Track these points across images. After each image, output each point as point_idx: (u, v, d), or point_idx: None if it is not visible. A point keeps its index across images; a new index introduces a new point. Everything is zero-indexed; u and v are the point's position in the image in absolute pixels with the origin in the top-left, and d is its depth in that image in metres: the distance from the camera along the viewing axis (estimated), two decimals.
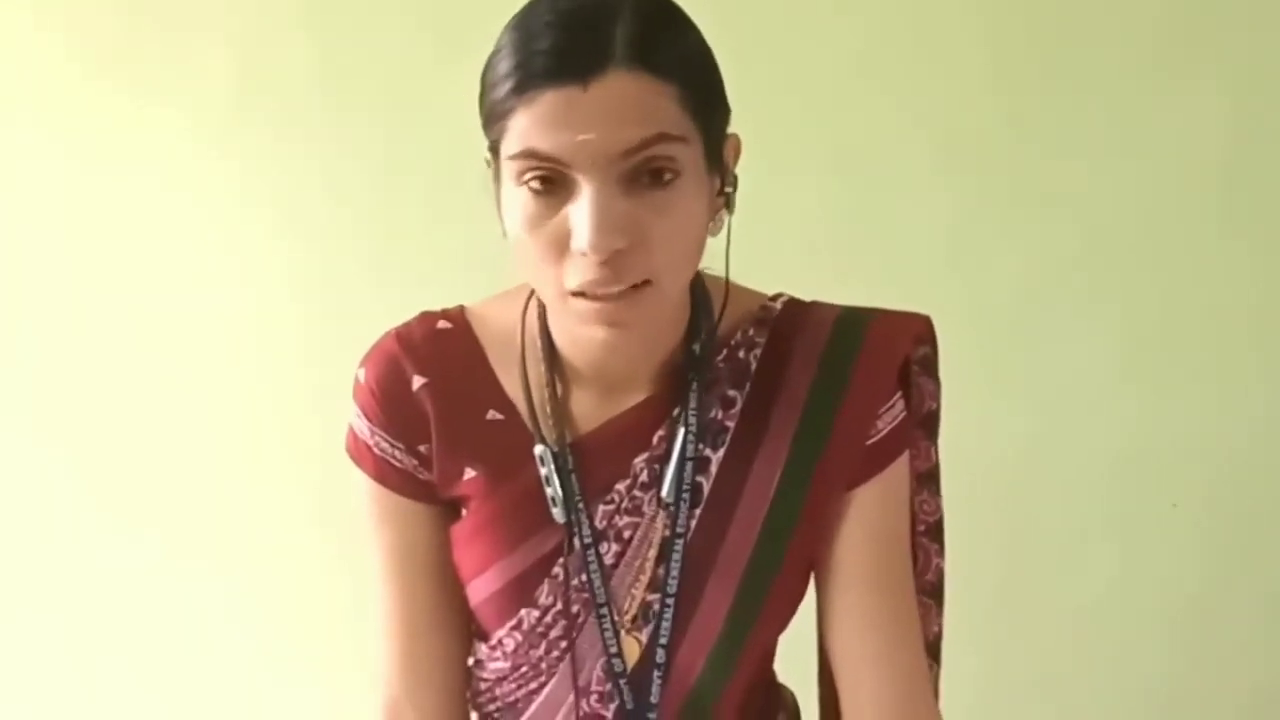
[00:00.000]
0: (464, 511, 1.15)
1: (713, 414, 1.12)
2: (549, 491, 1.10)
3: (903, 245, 1.93)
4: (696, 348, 1.12)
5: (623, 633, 1.12)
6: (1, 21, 2.00)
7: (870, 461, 1.13)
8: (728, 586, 1.11)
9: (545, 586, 1.12)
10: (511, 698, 1.17)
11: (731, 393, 1.12)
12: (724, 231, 1.06)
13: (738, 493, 1.11)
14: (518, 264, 1.02)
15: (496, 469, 1.12)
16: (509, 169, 0.98)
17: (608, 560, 1.11)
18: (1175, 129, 1.88)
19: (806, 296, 1.18)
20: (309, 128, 1.98)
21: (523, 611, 1.12)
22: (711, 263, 1.09)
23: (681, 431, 1.11)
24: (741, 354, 1.13)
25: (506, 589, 1.12)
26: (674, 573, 1.11)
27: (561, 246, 0.98)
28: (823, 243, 1.93)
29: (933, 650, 1.23)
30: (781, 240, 1.81)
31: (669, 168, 0.97)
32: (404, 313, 1.17)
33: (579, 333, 1.05)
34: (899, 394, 1.14)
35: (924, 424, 1.20)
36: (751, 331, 1.14)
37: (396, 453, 1.14)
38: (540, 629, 1.12)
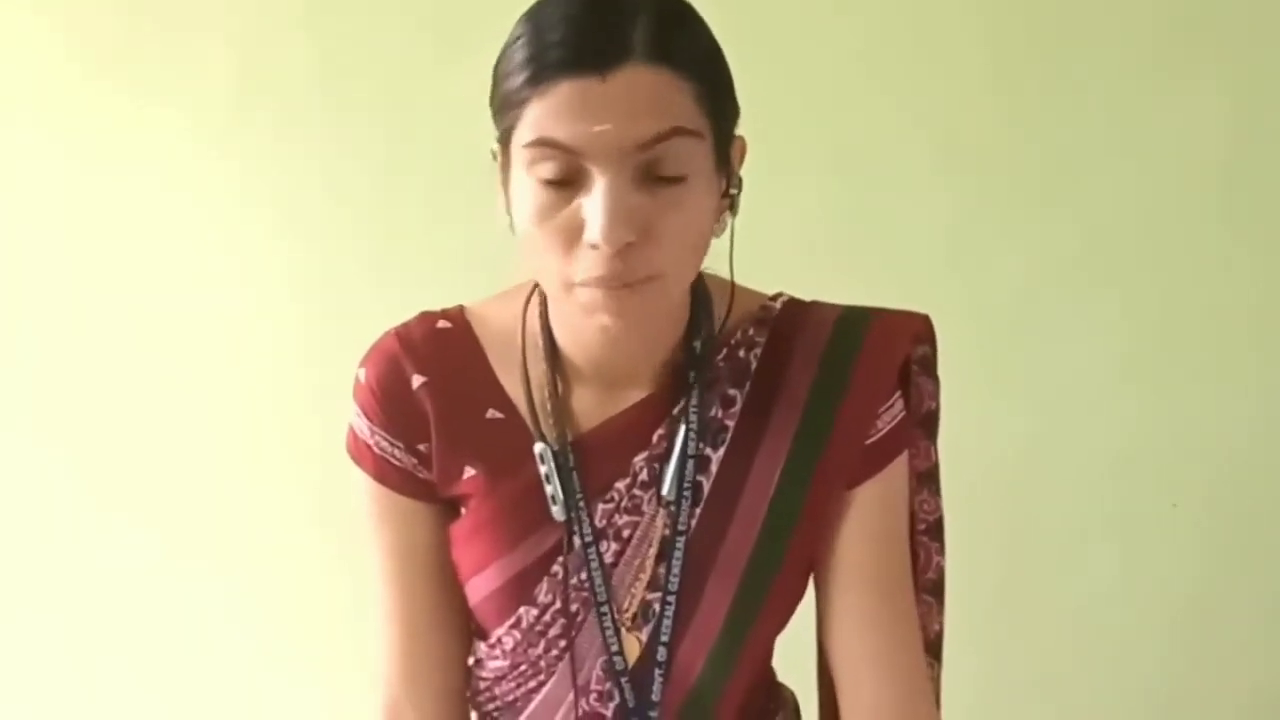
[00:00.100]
0: (463, 510, 1.15)
1: (713, 413, 1.12)
2: (548, 490, 1.10)
3: (903, 245, 1.93)
4: (697, 346, 1.12)
5: (623, 631, 1.12)
6: (1, 21, 2.00)
7: (870, 461, 1.13)
8: (728, 585, 1.11)
9: (544, 584, 1.12)
10: (510, 697, 1.17)
11: (732, 392, 1.12)
12: (726, 232, 1.06)
13: (738, 491, 1.11)
14: (523, 255, 1.02)
15: (496, 467, 1.12)
16: (521, 158, 0.98)
17: (607, 559, 1.11)
18: (1175, 129, 1.88)
19: (806, 296, 1.18)
20: (309, 128, 1.98)
21: (521, 610, 1.12)
22: (711, 263, 1.09)
23: (683, 429, 1.11)
24: (742, 353, 1.13)
25: (505, 587, 1.12)
26: (675, 571, 1.11)
27: (570, 238, 0.98)
28: (823, 243, 1.93)
29: (933, 649, 1.23)
30: (781, 240, 1.80)
31: (682, 163, 0.97)
32: (404, 313, 1.17)
33: (582, 325, 1.05)
34: (898, 393, 1.14)
35: (923, 423, 1.20)
36: (752, 331, 1.14)
37: (396, 452, 1.14)
38: (539, 627, 1.12)
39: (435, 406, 1.12)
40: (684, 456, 1.10)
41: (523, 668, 1.15)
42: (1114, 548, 1.99)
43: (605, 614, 1.11)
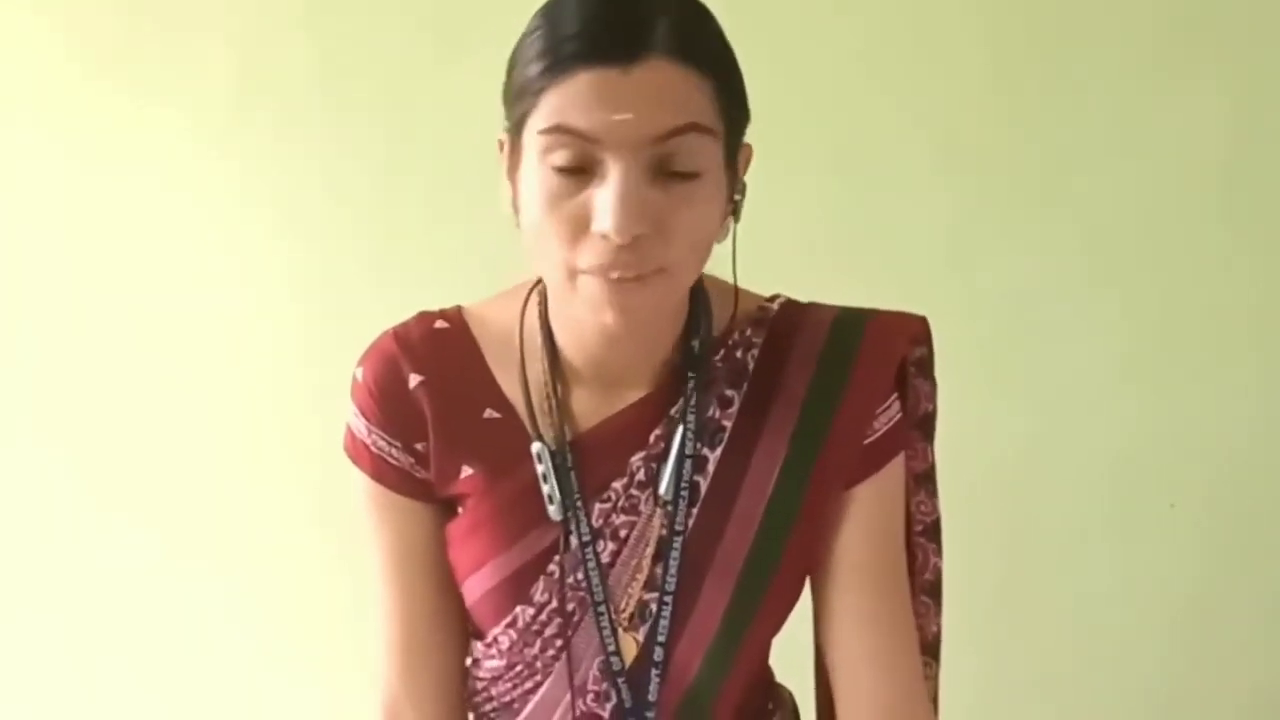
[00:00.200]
0: (460, 510, 1.15)
1: (710, 413, 1.12)
2: (545, 489, 1.10)
3: (903, 245, 1.93)
4: (695, 346, 1.12)
5: (620, 631, 1.12)
6: (1, 21, 2.00)
7: (867, 461, 1.13)
8: (725, 585, 1.11)
9: (541, 584, 1.12)
10: (507, 698, 1.17)
11: (729, 392, 1.12)
12: (727, 235, 1.07)
13: (735, 491, 1.11)
14: (528, 245, 1.02)
15: (494, 467, 1.12)
16: (535, 145, 0.98)
17: (604, 559, 1.11)
18: (1175, 129, 1.88)
19: (806, 297, 1.19)
20: (309, 128, 1.98)
21: (518, 609, 1.12)
22: (711, 265, 1.09)
23: (680, 429, 1.11)
24: (739, 354, 1.13)
25: (502, 586, 1.12)
26: (672, 571, 1.11)
27: (578, 228, 0.98)
28: (823, 243, 1.93)
29: (931, 650, 1.23)
30: (781, 240, 1.80)
31: (695, 160, 0.97)
32: (404, 313, 1.17)
33: (583, 318, 1.05)
34: (895, 395, 1.15)
35: (920, 425, 1.20)
36: (749, 332, 1.14)
37: (394, 451, 1.14)
38: (535, 626, 1.12)
39: (432, 406, 1.12)
40: (681, 456, 1.10)
41: (519, 668, 1.15)
42: (1114, 548, 1.99)
43: (602, 614, 1.11)
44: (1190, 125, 1.88)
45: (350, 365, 1.16)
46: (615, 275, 0.97)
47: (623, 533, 1.12)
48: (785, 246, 1.78)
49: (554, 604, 1.12)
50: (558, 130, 0.96)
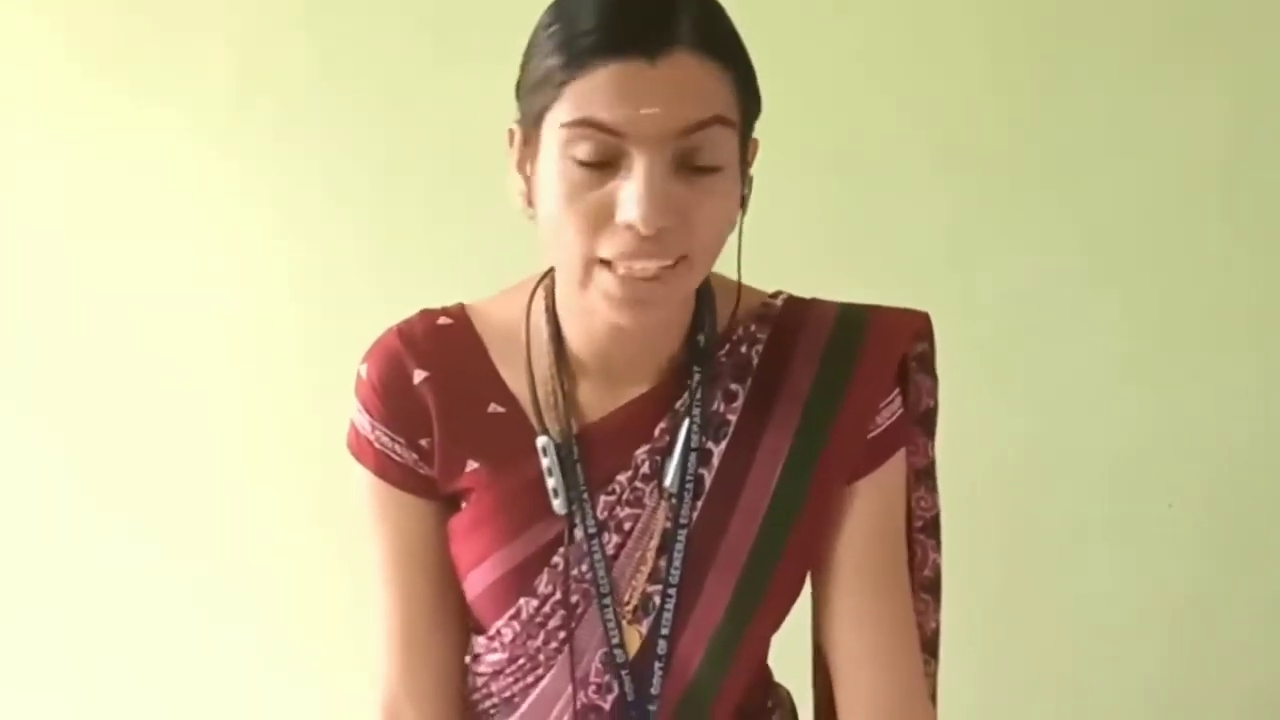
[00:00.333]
0: (464, 505, 1.15)
1: (715, 407, 1.12)
2: (550, 483, 1.10)
3: (903, 245, 1.93)
4: (701, 341, 1.12)
5: (624, 623, 1.12)
6: (1, 21, 2.00)
7: (870, 455, 1.13)
8: (728, 578, 1.11)
9: (545, 576, 1.12)
10: (508, 693, 1.16)
11: (734, 386, 1.12)
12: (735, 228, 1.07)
13: (739, 485, 1.11)
14: (543, 236, 1.02)
15: (498, 461, 1.12)
16: (556, 138, 0.98)
17: (609, 551, 1.11)
18: (1175, 128, 1.89)
19: (806, 295, 1.19)
20: (309, 128, 1.98)
21: (521, 601, 1.12)
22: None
23: (685, 423, 1.11)
24: (744, 349, 1.14)
25: (505, 578, 1.12)
26: (676, 564, 1.11)
27: (599, 220, 0.98)
28: (823, 243, 1.93)
29: (930, 647, 1.23)
30: (781, 240, 1.79)
31: (717, 153, 0.98)
32: (404, 312, 1.17)
33: (594, 311, 1.04)
34: (897, 390, 1.15)
35: (921, 421, 1.20)
36: (754, 327, 1.14)
37: (397, 447, 1.14)
38: (539, 619, 1.12)
39: (437, 401, 1.12)
40: (686, 450, 1.11)
41: (521, 660, 1.14)
42: (1113, 547, 1.99)
43: (607, 606, 1.11)
44: (1190, 125, 1.88)
45: (351, 365, 1.16)
46: (637, 267, 0.98)
47: (627, 525, 1.12)
48: (785, 246, 1.77)
49: (558, 596, 1.12)
50: (583, 124, 0.96)
